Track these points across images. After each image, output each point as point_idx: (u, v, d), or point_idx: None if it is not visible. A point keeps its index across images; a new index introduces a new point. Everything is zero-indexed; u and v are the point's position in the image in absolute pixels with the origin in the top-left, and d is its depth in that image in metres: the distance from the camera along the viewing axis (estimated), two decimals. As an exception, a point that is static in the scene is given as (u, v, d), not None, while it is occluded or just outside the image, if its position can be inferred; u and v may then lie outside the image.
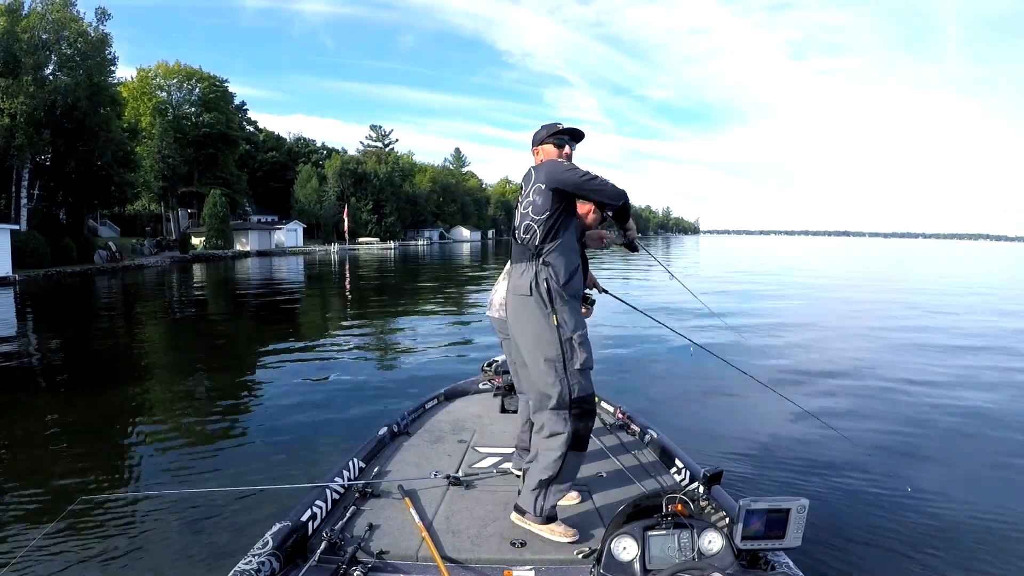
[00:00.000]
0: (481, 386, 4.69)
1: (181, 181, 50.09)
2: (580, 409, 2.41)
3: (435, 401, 4.35)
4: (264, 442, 5.23)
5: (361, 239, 67.53)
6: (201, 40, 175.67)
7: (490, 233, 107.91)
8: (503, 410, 4.15)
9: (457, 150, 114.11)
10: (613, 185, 2.43)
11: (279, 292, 20.90)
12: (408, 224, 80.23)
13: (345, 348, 9.81)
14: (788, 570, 2.00)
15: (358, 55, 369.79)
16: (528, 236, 2.47)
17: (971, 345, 10.19)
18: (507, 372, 4.14)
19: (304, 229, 61.36)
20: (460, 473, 3.05)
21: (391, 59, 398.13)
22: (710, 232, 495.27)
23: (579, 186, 2.41)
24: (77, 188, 34.59)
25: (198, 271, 31.87)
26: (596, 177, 2.41)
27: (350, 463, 2.98)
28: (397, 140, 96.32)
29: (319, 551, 2.14)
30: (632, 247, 2.75)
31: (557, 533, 2.41)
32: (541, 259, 2.45)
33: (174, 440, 5.38)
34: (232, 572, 1.94)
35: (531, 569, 2.20)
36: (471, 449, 3.45)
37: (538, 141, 2.64)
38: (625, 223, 2.63)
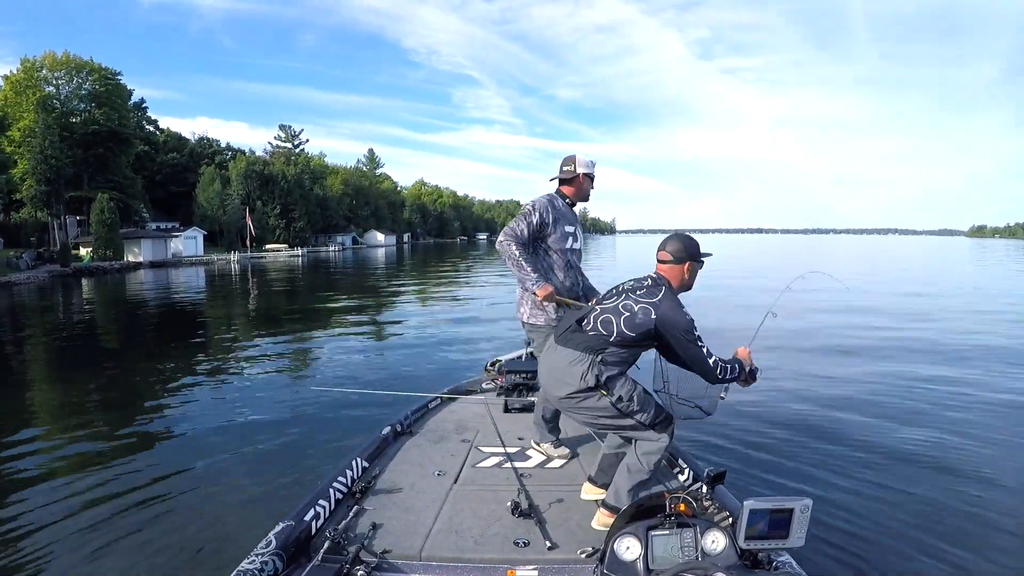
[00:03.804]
0: (484, 386, 4.72)
1: (68, 185, 46.97)
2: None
3: (438, 401, 4.37)
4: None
5: (268, 246, 65.66)
6: (94, 36, 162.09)
7: (406, 237, 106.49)
8: (506, 410, 4.15)
9: (371, 151, 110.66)
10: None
11: (156, 326, 15.87)
12: (319, 229, 78.42)
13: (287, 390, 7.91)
14: (791, 570, 2.01)
15: (258, 54, 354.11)
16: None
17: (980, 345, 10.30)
18: (511, 372, 4.42)
19: (205, 236, 59.12)
20: (463, 473, 3.08)
21: (293, 58, 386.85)
22: (626, 232, 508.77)
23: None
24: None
25: (75, 288, 27.43)
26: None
27: (353, 462, 2.98)
28: (307, 140, 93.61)
29: (322, 551, 2.14)
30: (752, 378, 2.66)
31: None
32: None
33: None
34: (235, 571, 1.95)
35: (534, 569, 2.20)
36: (474, 449, 3.45)
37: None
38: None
